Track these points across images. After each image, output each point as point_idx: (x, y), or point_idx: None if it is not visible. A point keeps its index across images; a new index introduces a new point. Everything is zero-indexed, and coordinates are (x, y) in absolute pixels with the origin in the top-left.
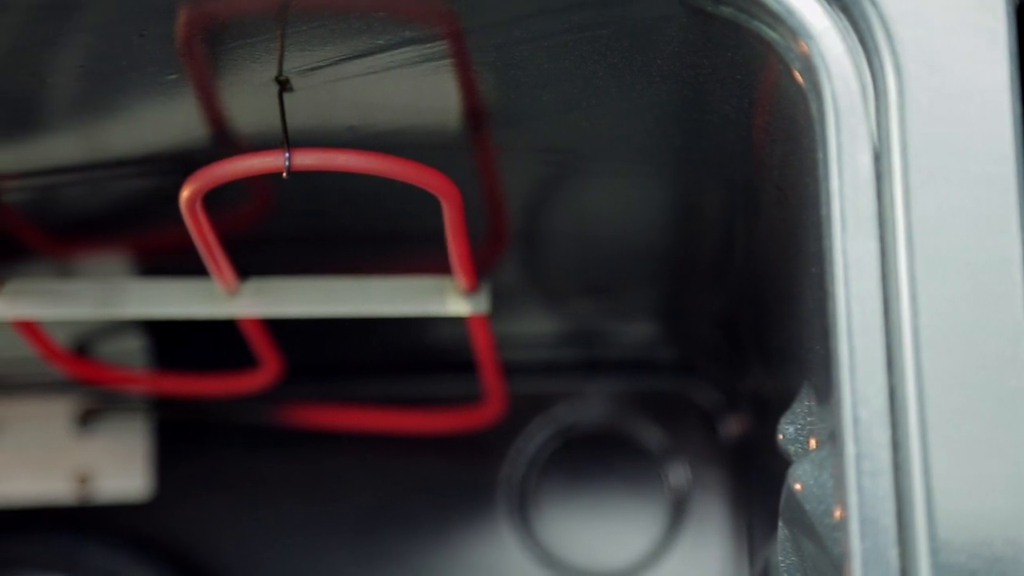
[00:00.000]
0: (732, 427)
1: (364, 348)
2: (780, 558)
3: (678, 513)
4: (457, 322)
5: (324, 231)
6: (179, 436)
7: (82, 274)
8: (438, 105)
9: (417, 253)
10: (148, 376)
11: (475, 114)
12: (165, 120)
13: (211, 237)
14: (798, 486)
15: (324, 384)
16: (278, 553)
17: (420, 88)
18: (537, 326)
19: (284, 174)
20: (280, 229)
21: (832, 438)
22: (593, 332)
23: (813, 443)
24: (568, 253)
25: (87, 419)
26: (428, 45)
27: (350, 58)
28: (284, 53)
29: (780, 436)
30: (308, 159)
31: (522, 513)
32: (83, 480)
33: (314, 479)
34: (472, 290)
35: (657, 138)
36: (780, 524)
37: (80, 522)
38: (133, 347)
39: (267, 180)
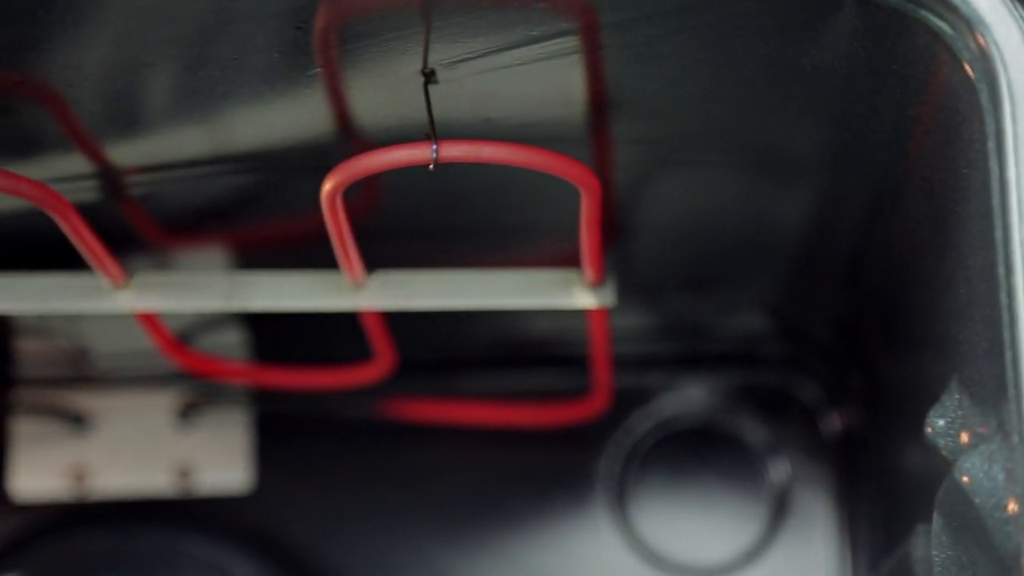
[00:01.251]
0: (835, 423)
1: (461, 342)
2: (934, 552)
3: (780, 509)
4: (558, 315)
5: (434, 225)
6: (279, 429)
7: (198, 268)
8: (571, 97)
9: (528, 246)
10: (268, 371)
11: (605, 107)
12: (302, 113)
13: (347, 229)
14: (965, 479)
15: (422, 378)
16: (376, 546)
17: (558, 80)
18: (638, 318)
19: (431, 166)
20: (390, 224)
21: (1002, 430)
22: (695, 325)
23: (965, 437)
24: (683, 246)
25: (188, 413)
26: (572, 37)
27: (499, 50)
28: (430, 45)
29: (929, 429)
30: (455, 151)
31: (621, 507)
32: (184, 473)
33: (413, 472)
34: (599, 283)
35: (796, 131)
36: (935, 518)
37: (181, 515)
38: (232, 341)
39: (382, 174)
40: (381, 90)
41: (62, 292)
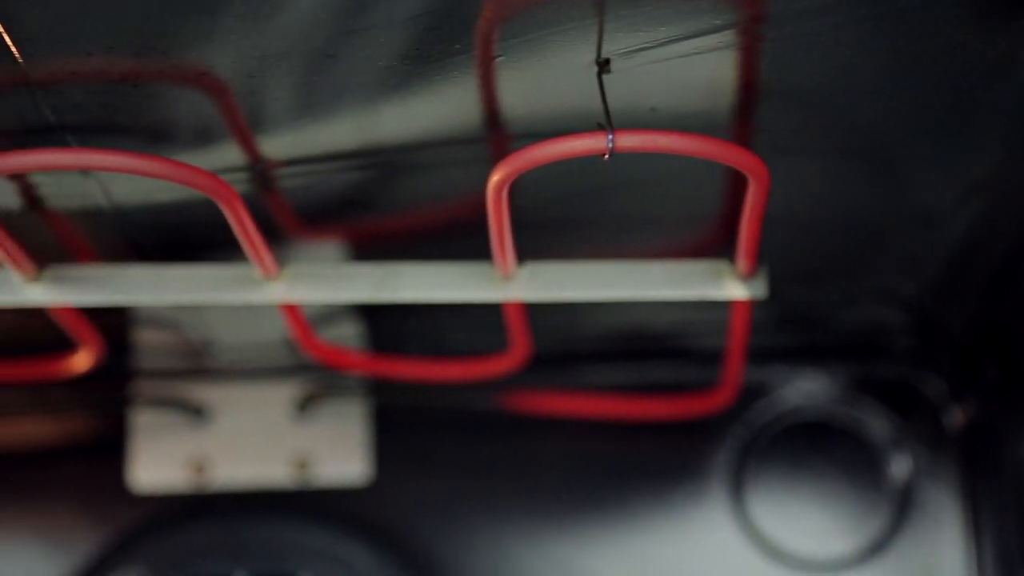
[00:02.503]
0: (959, 417)
1: (579, 334)
2: None
3: (903, 504)
4: (680, 307)
5: (561, 217)
6: (396, 421)
7: (325, 259)
8: (735, 86)
9: (663, 237)
10: (402, 363)
11: (770, 96)
12: (461, 104)
13: (507, 220)
14: None
15: (541, 370)
16: (493, 537)
17: (727, 69)
18: (759, 310)
19: (606, 156)
20: (530, 215)
21: None
22: (817, 317)
23: None
24: (821, 237)
25: (307, 405)
26: (749, 26)
27: (676, 40)
28: (604, 35)
29: None
30: (631, 140)
31: (739, 500)
32: (302, 465)
33: (531, 464)
34: (751, 274)
35: (969, 123)
36: None
37: (299, 507)
38: (350, 333)
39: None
40: (533, 81)
41: (214, 283)
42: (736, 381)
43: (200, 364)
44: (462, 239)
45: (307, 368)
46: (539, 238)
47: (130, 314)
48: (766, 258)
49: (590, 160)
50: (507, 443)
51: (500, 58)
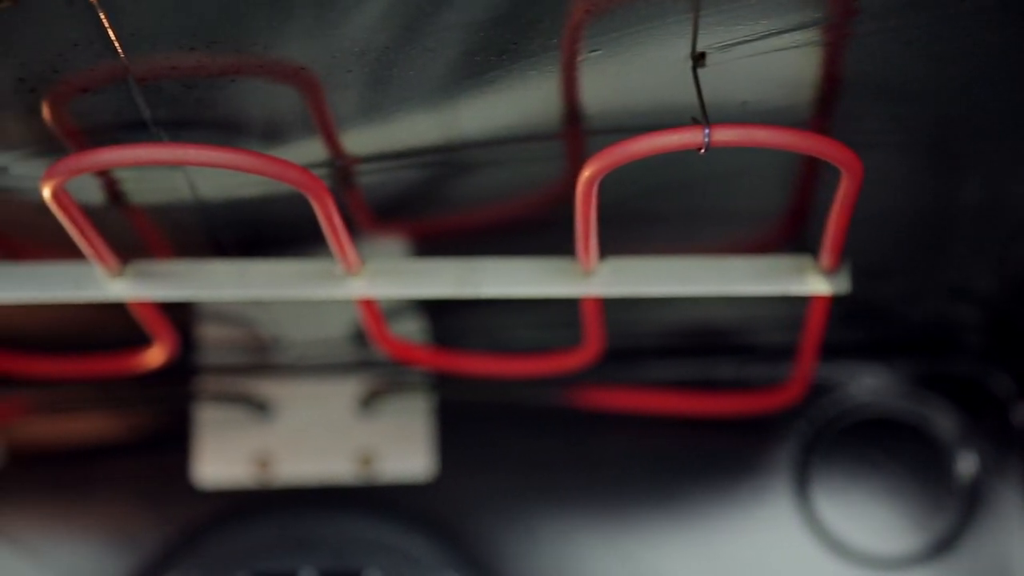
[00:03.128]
0: None
1: (644, 330)
2: None
3: (970, 501)
4: (747, 303)
5: (633, 212)
6: (460, 417)
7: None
8: (819, 83)
9: (728, 233)
10: (478, 359)
11: (844, 94)
12: (541, 100)
13: (594, 215)
14: None
15: (606, 366)
16: (559, 532)
17: (812, 66)
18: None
19: (702, 150)
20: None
21: None
22: (885, 313)
23: None
24: (893, 233)
25: (371, 401)
26: (832, 23)
27: (772, 34)
28: (699, 30)
29: None
30: (728, 134)
31: (805, 496)
32: (366, 461)
33: (596, 459)
34: (834, 269)
35: None
36: None
37: (363, 502)
38: (413, 328)
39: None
40: (620, 76)
41: (296, 278)
42: (807, 377)
43: (264, 360)
44: (526, 236)
45: (371, 364)
46: (604, 233)
47: (195, 310)
48: (859, 254)
49: (663, 156)
50: (570, 438)
51: (597, 52)
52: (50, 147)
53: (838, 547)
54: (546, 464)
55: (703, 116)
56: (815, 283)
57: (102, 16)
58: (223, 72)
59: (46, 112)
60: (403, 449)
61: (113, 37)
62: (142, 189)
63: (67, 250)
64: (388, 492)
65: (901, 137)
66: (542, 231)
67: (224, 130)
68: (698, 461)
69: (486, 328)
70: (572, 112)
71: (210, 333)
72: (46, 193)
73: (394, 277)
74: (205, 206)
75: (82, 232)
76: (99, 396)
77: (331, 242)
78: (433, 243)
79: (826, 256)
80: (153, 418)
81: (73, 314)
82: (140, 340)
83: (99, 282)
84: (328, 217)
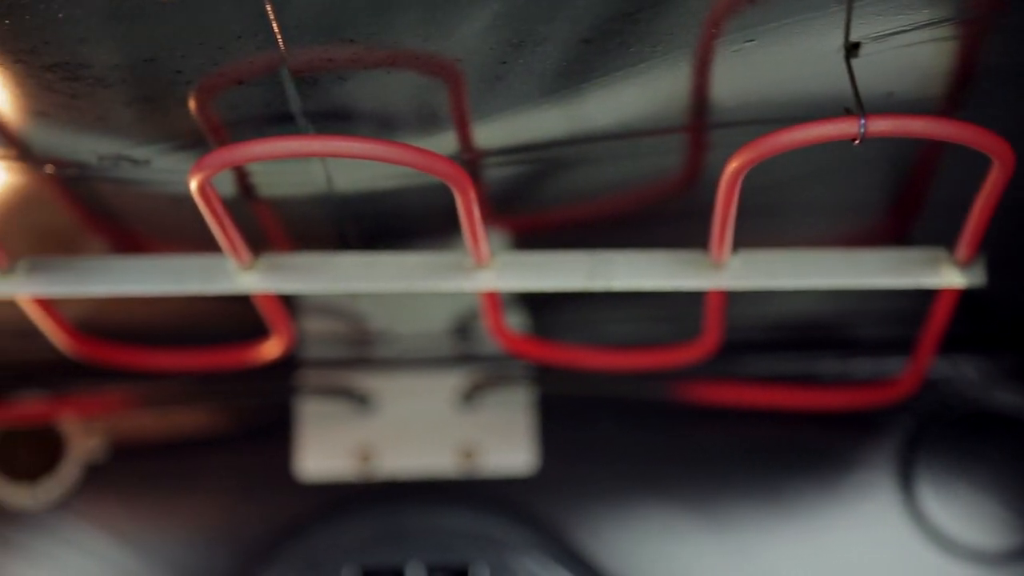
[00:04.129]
0: None
1: (747, 324)
2: None
3: None
4: (847, 296)
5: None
6: (561, 410)
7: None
8: (966, 73)
9: (836, 224)
10: (590, 353)
11: (989, 84)
12: (669, 92)
13: (734, 207)
14: None
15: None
16: (660, 526)
17: (960, 56)
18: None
19: (857, 141)
20: (685, 205)
21: None
22: (991, 305)
23: None
24: (1014, 225)
25: (472, 395)
26: (983, 13)
27: (929, 24)
28: (852, 20)
29: None
30: (884, 125)
31: (909, 491)
32: (468, 455)
33: (697, 453)
34: (969, 261)
35: None
36: None
37: (466, 496)
38: (514, 322)
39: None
40: (761, 67)
41: (426, 271)
42: (922, 372)
43: (366, 353)
44: (633, 230)
45: (473, 358)
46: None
47: (297, 303)
48: (943, 242)
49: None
50: (672, 432)
51: (751, 42)
52: (192, 141)
53: (943, 542)
54: (648, 457)
55: (858, 106)
56: (950, 276)
57: (268, 9)
58: (377, 64)
59: (196, 105)
60: (505, 443)
61: (276, 30)
62: (274, 182)
63: (191, 244)
64: (490, 486)
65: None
66: (650, 225)
67: (355, 122)
68: (802, 456)
69: (583, 322)
70: (700, 104)
71: (312, 326)
72: (193, 185)
73: (524, 270)
74: (335, 198)
75: (221, 225)
76: (201, 390)
77: (467, 234)
78: (539, 236)
79: (963, 248)
80: (255, 412)
81: (180, 307)
82: (241, 334)
83: (230, 275)
84: (468, 209)
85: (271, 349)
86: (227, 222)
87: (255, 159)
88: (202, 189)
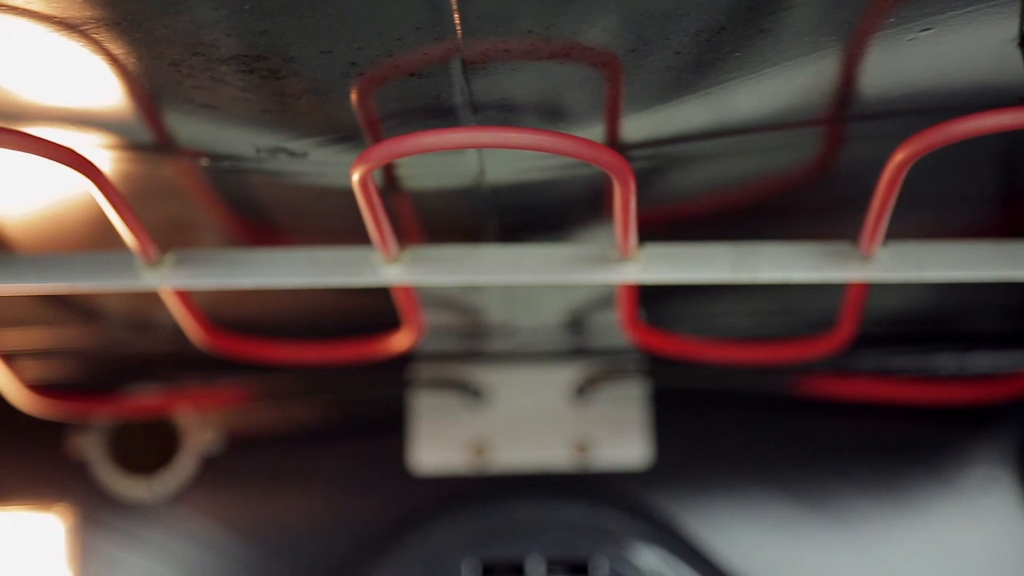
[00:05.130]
0: None
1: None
2: None
3: None
4: (964, 289)
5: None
6: (675, 403)
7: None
8: None
9: (970, 216)
10: (723, 347)
11: None
12: (814, 83)
13: (893, 199)
14: None
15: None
16: (776, 520)
17: None
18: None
19: None
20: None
21: None
22: None
23: None
24: None
25: (586, 388)
26: None
27: None
28: None
29: None
30: None
31: None
32: (582, 448)
33: (814, 446)
34: None
35: None
36: None
37: (580, 490)
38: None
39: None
40: (935, 58)
41: (571, 263)
42: None
43: (480, 347)
44: (762, 222)
45: (586, 351)
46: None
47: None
48: None
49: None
50: (788, 425)
51: (928, 31)
52: (349, 134)
53: None
54: (763, 451)
55: None
56: None
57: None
58: (552, 56)
59: (361, 97)
60: (619, 436)
61: (457, 21)
62: (421, 174)
63: (326, 236)
64: (604, 480)
65: None
66: (777, 217)
67: (508, 113)
68: (920, 451)
69: (693, 315)
70: (847, 95)
71: (427, 319)
72: (355, 177)
73: (669, 262)
74: (484, 191)
75: (376, 218)
76: (316, 383)
77: (618, 226)
78: (664, 228)
79: None
80: (370, 405)
81: (299, 300)
82: (358, 327)
83: (375, 267)
84: (626, 201)
85: (400, 342)
86: (381, 214)
87: (424, 150)
88: (364, 181)
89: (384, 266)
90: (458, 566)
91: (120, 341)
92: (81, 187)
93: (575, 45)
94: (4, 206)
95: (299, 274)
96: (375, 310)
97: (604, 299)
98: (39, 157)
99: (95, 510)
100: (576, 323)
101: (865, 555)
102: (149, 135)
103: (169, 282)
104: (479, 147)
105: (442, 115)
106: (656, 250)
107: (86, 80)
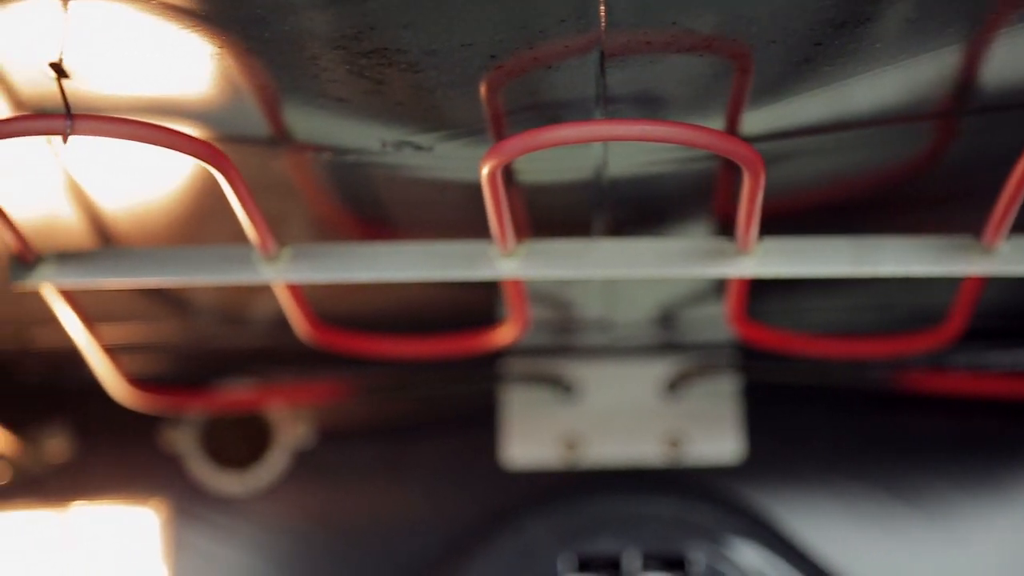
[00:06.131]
0: None
1: None
2: None
3: None
4: None
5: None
6: (767, 399)
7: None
8: None
9: None
10: (827, 342)
11: None
12: (933, 77)
13: (1022, 193)
14: None
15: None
16: (871, 515)
17: None
18: None
19: None
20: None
21: None
22: None
23: None
24: None
25: (677, 383)
26: None
27: None
28: None
29: None
30: None
31: None
32: (674, 443)
33: (909, 441)
34: None
35: None
36: None
37: (673, 485)
38: (714, 313)
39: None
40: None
41: (688, 257)
42: None
43: (571, 341)
44: (862, 215)
45: (678, 346)
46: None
47: (496, 289)
48: None
49: None
50: (883, 419)
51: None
52: (474, 129)
53: None
54: (857, 445)
55: None
56: None
57: None
58: (692, 48)
59: (492, 91)
60: (711, 431)
61: (602, 13)
62: (539, 168)
63: (433, 230)
64: (696, 475)
65: None
66: (883, 212)
67: (630, 105)
68: (1017, 446)
69: (785, 311)
70: (966, 89)
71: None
72: (485, 170)
73: (787, 256)
74: (604, 184)
75: (499, 211)
76: (407, 378)
77: (742, 219)
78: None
79: None
80: (461, 399)
81: (396, 295)
82: (449, 322)
83: (492, 261)
84: (754, 194)
85: (504, 335)
86: (505, 209)
87: (561, 143)
88: (493, 175)
89: (500, 260)
90: (554, 561)
91: (212, 336)
92: (172, 182)
93: (716, 37)
94: (111, 200)
95: (415, 268)
96: (468, 304)
97: (697, 294)
98: (173, 151)
99: (189, 504)
100: (668, 318)
101: (961, 550)
102: (266, 129)
103: (286, 276)
104: (616, 139)
105: (567, 109)
106: (774, 244)
107: (210, 76)
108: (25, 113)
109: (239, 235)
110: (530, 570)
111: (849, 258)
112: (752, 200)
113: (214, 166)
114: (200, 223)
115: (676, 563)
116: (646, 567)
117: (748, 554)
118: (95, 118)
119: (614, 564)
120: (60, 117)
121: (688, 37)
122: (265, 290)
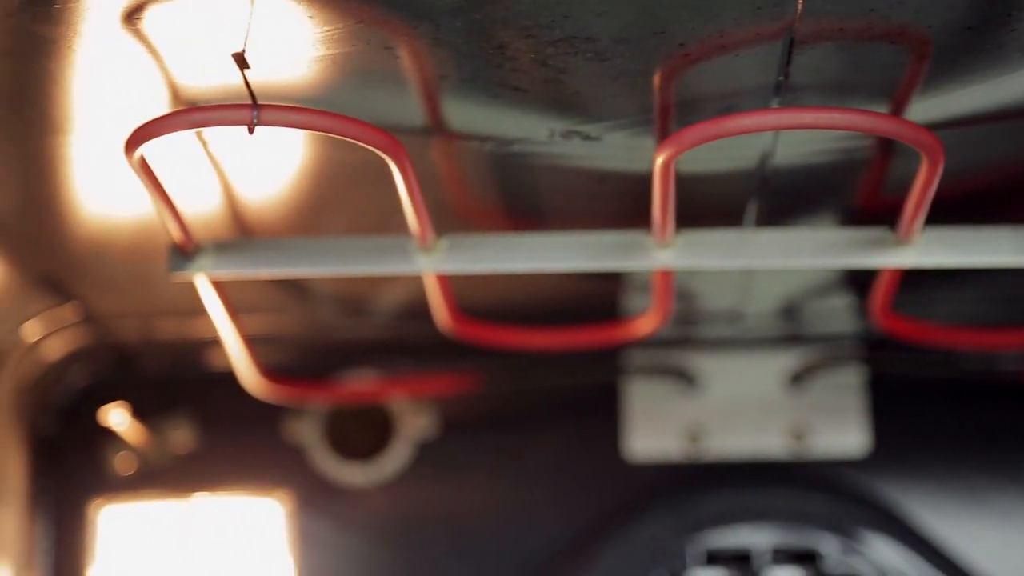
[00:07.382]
0: None
1: None
2: None
3: None
4: None
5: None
6: (894, 391)
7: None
8: None
9: None
10: (978, 334)
11: None
12: None
13: None
14: None
15: None
16: (1003, 510)
17: None
18: None
19: None
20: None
21: None
22: None
23: None
24: None
25: (802, 375)
26: None
27: None
28: None
29: None
30: None
31: None
32: (799, 436)
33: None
34: None
35: None
36: None
37: (798, 478)
38: (839, 305)
39: None
40: None
41: (846, 247)
42: None
43: (693, 333)
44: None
45: (801, 338)
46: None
47: (621, 281)
48: None
49: None
50: (1013, 413)
51: None
52: (642, 119)
53: None
54: (986, 438)
55: None
56: None
57: None
58: (885, 36)
59: (666, 79)
60: (837, 424)
61: (800, 1)
62: (699, 157)
63: (582, 221)
64: (822, 467)
65: None
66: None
67: (804, 93)
68: None
69: (913, 302)
70: None
71: (637, 305)
72: (659, 160)
73: (950, 246)
74: (764, 173)
75: (665, 201)
76: (529, 370)
77: (910, 207)
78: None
79: None
80: (583, 391)
81: (527, 286)
82: (576, 313)
83: (649, 251)
84: (928, 183)
85: (645, 326)
86: (671, 198)
87: (741, 132)
88: (667, 164)
89: (657, 250)
90: (683, 553)
91: (336, 327)
92: (290, 175)
93: (911, 25)
94: (250, 190)
95: (571, 258)
96: (593, 296)
97: (822, 286)
98: (353, 141)
99: (312, 495)
100: (792, 310)
101: None
102: (421, 119)
103: (442, 267)
104: (801, 128)
105: (740, 98)
106: (937, 234)
107: (376, 68)
108: (210, 104)
109: (351, 227)
110: (658, 563)
111: (1012, 248)
112: (926, 189)
113: (391, 156)
114: (315, 215)
115: (807, 556)
116: (775, 560)
117: (879, 548)
118: (280, 108)
119: (743, 558)
120: (247, 107)
121: (884, 24)
122: (390, 281)
